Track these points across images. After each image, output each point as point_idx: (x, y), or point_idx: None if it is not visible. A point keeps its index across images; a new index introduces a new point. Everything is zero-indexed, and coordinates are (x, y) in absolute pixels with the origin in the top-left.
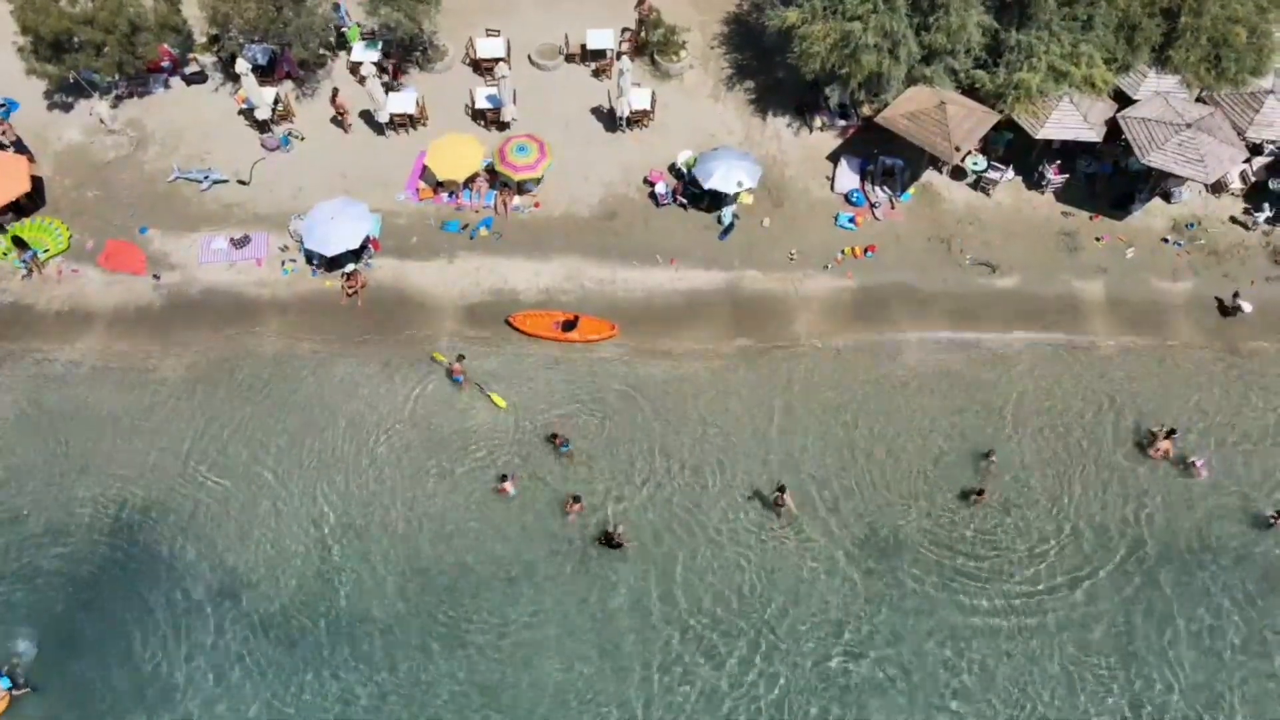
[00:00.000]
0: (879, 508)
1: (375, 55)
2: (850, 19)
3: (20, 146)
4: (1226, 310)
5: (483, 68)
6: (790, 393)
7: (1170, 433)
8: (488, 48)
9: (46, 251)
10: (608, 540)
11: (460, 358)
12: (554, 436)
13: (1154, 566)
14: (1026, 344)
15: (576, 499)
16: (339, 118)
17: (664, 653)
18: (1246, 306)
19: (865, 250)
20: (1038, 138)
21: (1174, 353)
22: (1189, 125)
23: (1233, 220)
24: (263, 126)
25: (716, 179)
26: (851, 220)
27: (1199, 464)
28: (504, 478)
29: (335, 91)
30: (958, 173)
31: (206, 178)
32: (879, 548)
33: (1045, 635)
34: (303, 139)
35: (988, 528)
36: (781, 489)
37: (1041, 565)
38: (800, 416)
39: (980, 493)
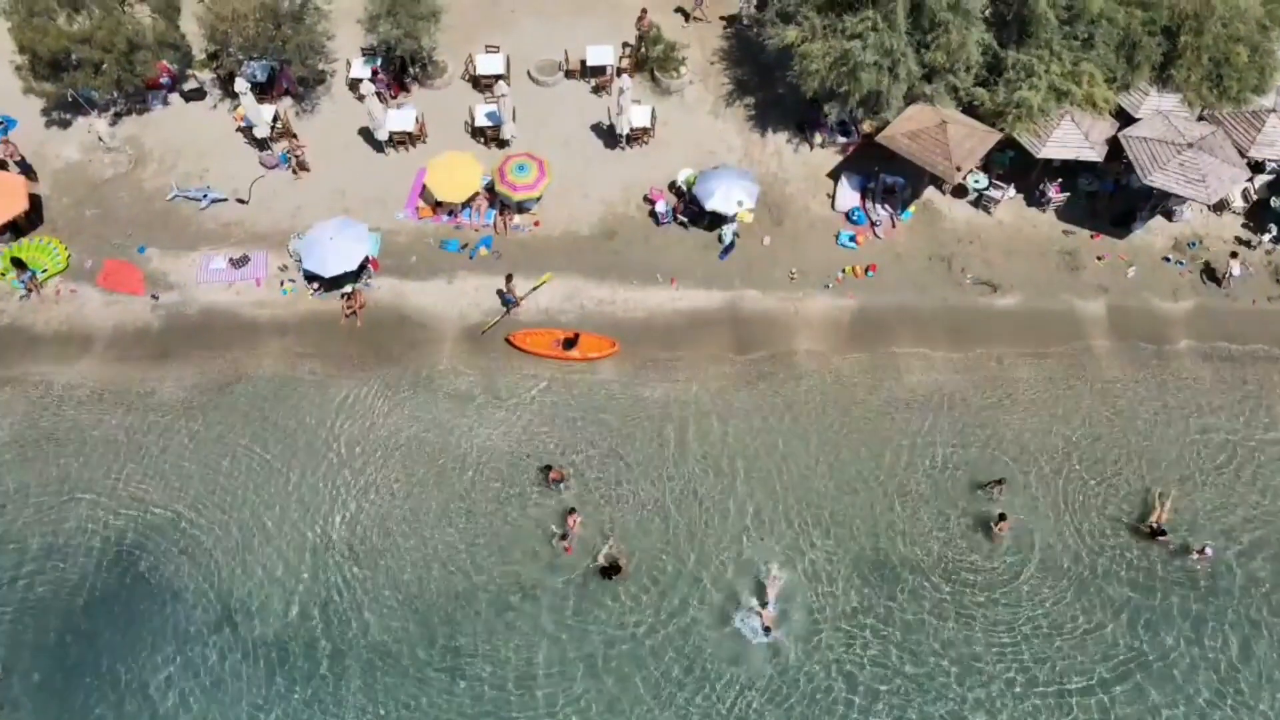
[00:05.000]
0: (882, 533)
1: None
2: (850, 37)
3: (24, 165)
4: (1218, 279)
5: (482, 84)
6: (791, 415)
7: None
8: (487, 64)
9: (45, 272)
10: (608, 570)
11: (509, 278)
12: (548, 469)
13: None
14: (1028, 365)
15: (572, 510)
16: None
17: (666, 681)
18: (1236, 269)
19: (866, 269)
20: (1039, 157)
21: (1175, 373)
22: (1190, 145)
23: (1236, 240)
24: (262, 144)
25: (717, 199)
26: (852, 239)
27: (1206, 552)
28: (564, 536)
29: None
30: (959, 191)
31: (205, 196)
32: (882, 574)
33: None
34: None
35: (994, 556)
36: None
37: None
38: (801, 439)
39: (1003, 518)
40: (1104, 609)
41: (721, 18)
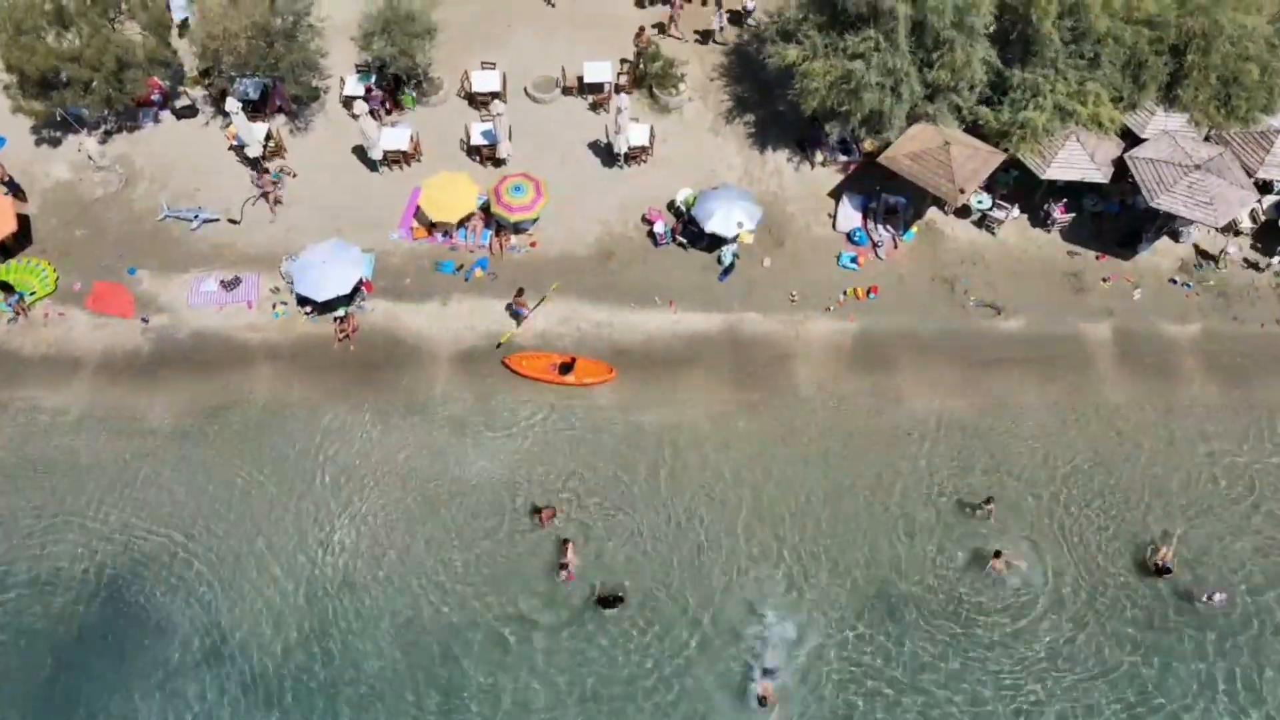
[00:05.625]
0: (884, 566)
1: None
2: (852, 57)
3: (13, 185)
4: (1210, 256)
5: (478, 101)
6: (792, 441)
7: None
8: (483, 81)
9: (33, 294)
10: (606, 600)
11: (520, 291)
12: (538, 511)
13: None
14: (1033, 389)
15: (566, 540)
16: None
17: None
18: (1232, 249)
19: (868, 291)
20: (1044, 178)
21: (1182, 397)
22: (1198, 166)
23: (1244, 261)
24: (254, 163)
25: (716, 221)
26: (854, 260)
27: (1219, 597)
28: (563, 566)
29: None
30: (962, 211)
31: (196, 216)
32: (882, 607)
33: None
34: (294, 175)
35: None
36: None
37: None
38: (801, 467)
39: (997, 554)
40: (1104, 650)
41: (696, 32)
